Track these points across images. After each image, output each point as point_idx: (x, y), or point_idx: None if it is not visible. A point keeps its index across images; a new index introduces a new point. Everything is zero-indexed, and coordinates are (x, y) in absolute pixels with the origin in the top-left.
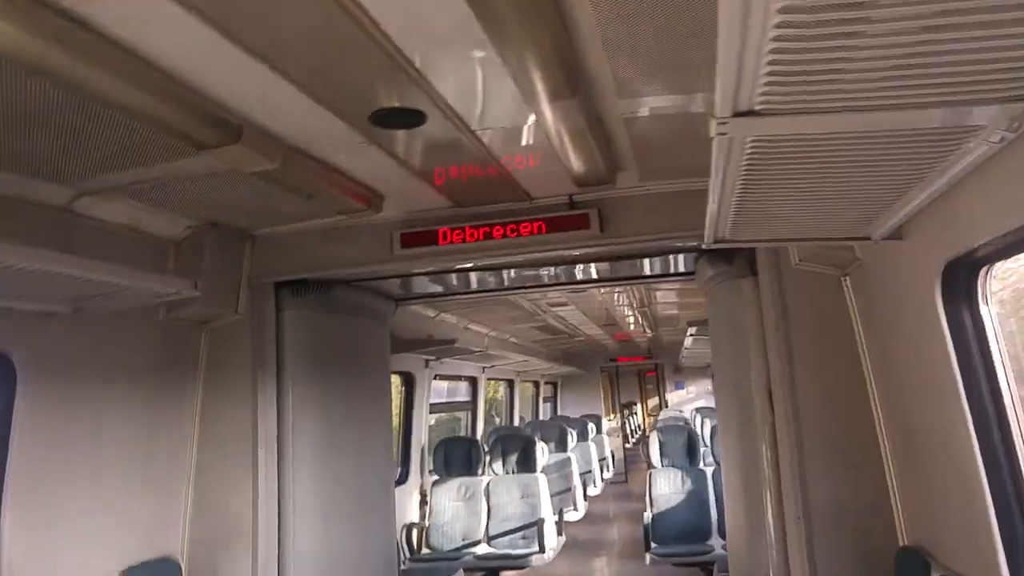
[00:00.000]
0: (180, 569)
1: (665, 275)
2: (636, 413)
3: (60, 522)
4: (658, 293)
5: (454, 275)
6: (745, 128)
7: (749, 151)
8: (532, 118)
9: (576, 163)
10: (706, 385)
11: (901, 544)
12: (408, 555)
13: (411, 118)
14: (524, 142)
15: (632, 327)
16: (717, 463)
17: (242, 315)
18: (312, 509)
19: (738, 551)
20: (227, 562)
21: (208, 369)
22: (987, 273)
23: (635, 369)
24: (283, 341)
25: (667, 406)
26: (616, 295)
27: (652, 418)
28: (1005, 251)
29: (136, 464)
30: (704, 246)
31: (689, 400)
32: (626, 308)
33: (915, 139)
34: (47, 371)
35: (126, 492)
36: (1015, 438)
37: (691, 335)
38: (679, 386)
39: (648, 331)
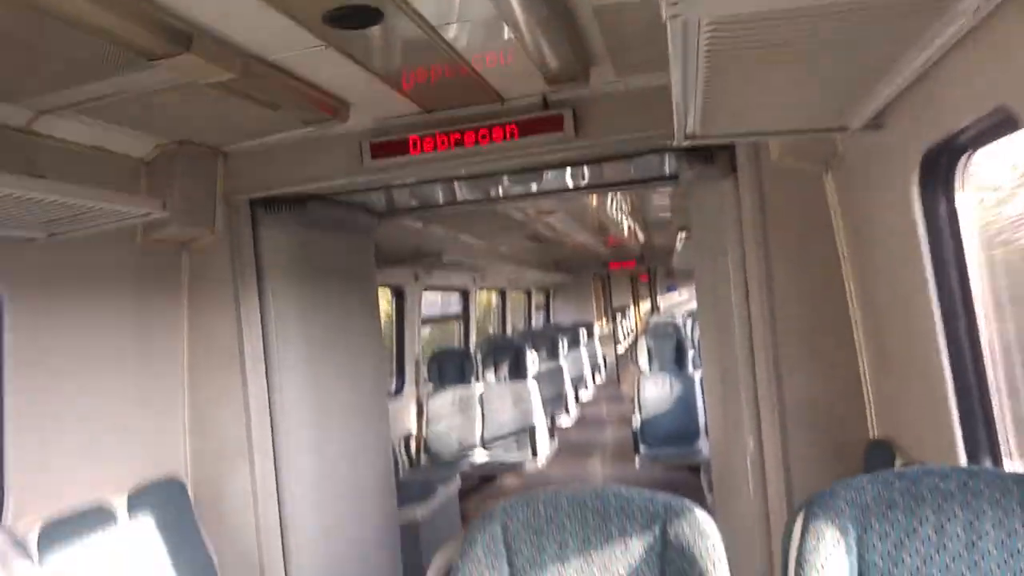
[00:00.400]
0: (186, 488)
1: (651, 179)
2: (628, 317)
3: (63, 446)
4: (654, 196)
5: (432, 186)
6: (698, 6)
7: (707, 34)
8: (494, 11)
9: (548, 57)
10: None
11: (871, 437)
12: (407, 464)
13: (367, 16)
14: (491, 38)
15: (625, 233)
16: None
17: (219, 234)
18: (305, 422)
19: (718, 446)
20: (228, 478)
21: (192, 290)
22: (966, 161)
23: (628, 274)
24: (262, 258)
25: (659, 310)
26: (608, 201)
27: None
28: (984, 136)
29: (131, 386)
30: (675, 144)
31: (682, 303)
32: (618, 213)
33: (887, 12)
34: (31, 297)
35: (125, 414)
36: (980, 332)
37: (681, 239)
38: (671, 288)
39: (641, 236)
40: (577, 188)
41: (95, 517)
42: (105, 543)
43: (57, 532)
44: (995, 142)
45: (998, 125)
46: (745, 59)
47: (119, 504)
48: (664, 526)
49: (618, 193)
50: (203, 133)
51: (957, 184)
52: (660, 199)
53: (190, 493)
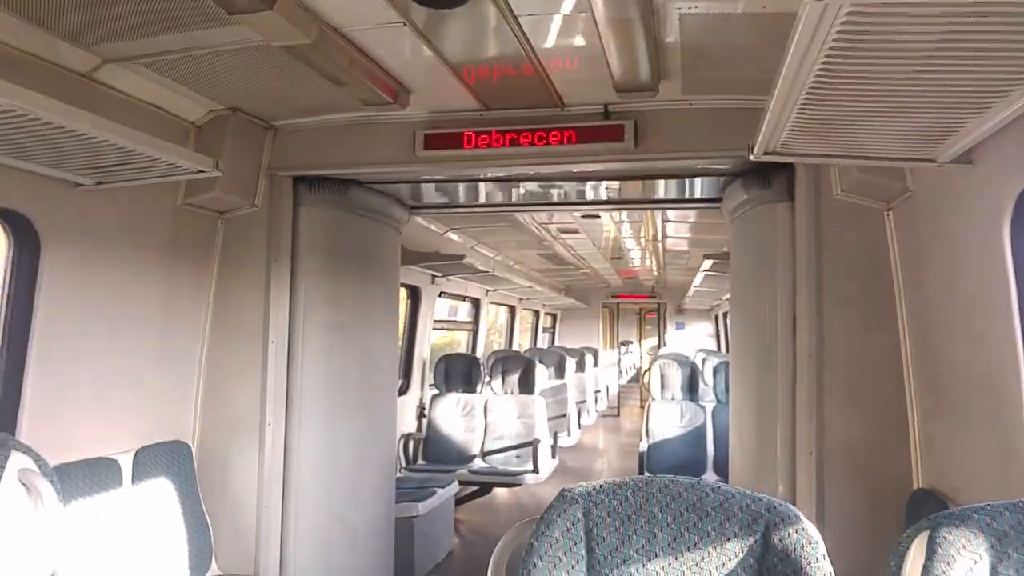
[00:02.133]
0: (192, 454)
1: (689, 200)
2: (632, 352)
3: (78, 394)
4: (671, 226)
5: (473, 184)
6: None
7: (839, 29)
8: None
9: (617, 65)
10: (707, 328)
11: (915, 486)
12: (404, 464)
13: None
14: (566, 36)
15: (639, 263)
16: (718, 400)
17: (259, 207)
18: (319, 405)
19: (740, 482)
20: (236, 451)
21: (223, 260)
22: None
23: (636, 308)
24: (298, 237)
25: (665, 346)
26: (629, 226)
27: (650, 357)
28: None
29: (152, 346)
30: (753, 157)
31: (689, 343)
32: (637, 241)
33: (1014, 33)
34: (69, 241)
35: (142, 372)
36: None
37: (705, 271)
38: (679, 327)
39: (655, 269)
40: (614, 201)
41: (101, 471)
42: (107, 498)
43: (61, 481)
44: None
45: None
46: (857, 69)
47: (125, 462)
48: (767, 528)
49: (644, 217)
50: (258, 103)
51: None
52: (678, 230)
53: (195, 460)
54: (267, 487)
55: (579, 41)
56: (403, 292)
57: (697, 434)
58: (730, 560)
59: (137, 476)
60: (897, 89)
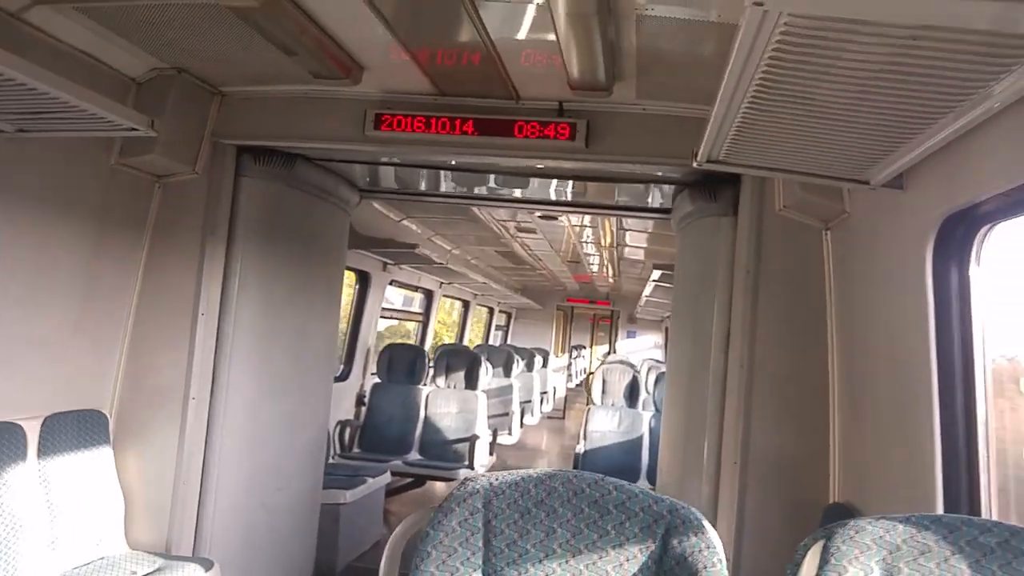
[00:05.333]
0: (107, 423)
1: (642, 209)
2: (584, 357)
3: None
4: (628, 235)
5: (423, 172)
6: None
7: (778, 38)
8: None
9: (574, 61)
10: (657, 339)
11: (832, 500)
12: (339, 451)
13: None
14: (525, 27)
15: (596, 269)
16: (657, 410)
17: (199, 174)
18: (246, 384)
19: (667, 490)
20: (157, 423)
21: (157, 226)
22: (985, 234)
23: (590, 313)
24: (238, 208)
25: (615, 353)
26: (586, 231)
27: (601, 361)
28: (1008, 210)
29: (71, 311)
30: (696, 164)
31: (638, 352)
32: (594, 246)
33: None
34: None
35: (58, 337)
36: (977, 411)
37: (654, 281)
38: (631, 335)
39: (611, 277)
40: (570, 203)
41: (2, 436)
42: (8, 465)
43: None
44: (1020, 216)
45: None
46: (796, 82)
47: (31, 428)
48: (668, 531)
49: (601, 224)
50: (205, 65)
51: (973, 256)
52: (635, 239)
53: (111, 431)
54: (186, 462)
55: (537, 34)
56: (352, 277)
57: (634, 441)
58: (628, 560)
59: (44, 444)
60: (834, 107)
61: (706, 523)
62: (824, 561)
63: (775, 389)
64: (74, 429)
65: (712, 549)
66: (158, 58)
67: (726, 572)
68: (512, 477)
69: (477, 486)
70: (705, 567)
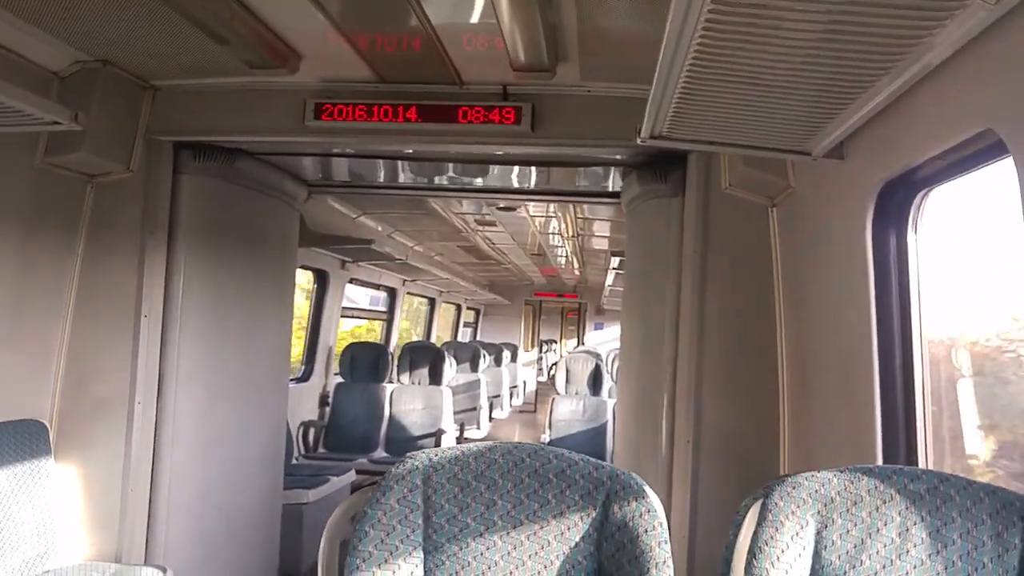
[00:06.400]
0: (48, 434)
1: (593, 193)
2: (555, 352)
3: None
4: (590, 224)
5: (371, 163)
6: None
7: (710, 7)
8: None
9: (515, 43)
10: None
11: (782, 472)
12: (302, 452)
13: None
14: (464, 9)
15: (562, 262)
16: None
17: (134, 172)
18: (195, 387)
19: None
20: (102, 431)
21: (92, 227)
22: (922, 199)
23: (559, 307)
24: (179, 207)
25: (583, 345)
26: (550, 222)
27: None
28: (941, 174)
29: (3, 318)
30: (640, 140)
31: (606, 343)
32: (558, 238)
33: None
34: None
35: None
36: (915, 370)
37: (614, 269)
38: (598, 327)
39: (577, 269)
40: (522, 191)
41: None
42: None
43: None
44: (952, 180)
45: (957, 163)
46: (730, 57)
47: None
48: (608, 497)
49: (563, 215)
50: (133, 58)
51: (911, 222)
52: (600, 228)
53: (51, 440)
54: (135, 469)
55: (476, 16)
56: (310, 276)
57: (598, 428)
58: (569, 529)
59: None
60: (772, 76)
61: (647, 487)
62: (763, 517)
63: (726, 367)
64: (11, 441)
65: (653, 512)
66: (79, 50)
67: (667, 535)
68: (453, 452)
69: (416, 463)
70: (646, 530)
